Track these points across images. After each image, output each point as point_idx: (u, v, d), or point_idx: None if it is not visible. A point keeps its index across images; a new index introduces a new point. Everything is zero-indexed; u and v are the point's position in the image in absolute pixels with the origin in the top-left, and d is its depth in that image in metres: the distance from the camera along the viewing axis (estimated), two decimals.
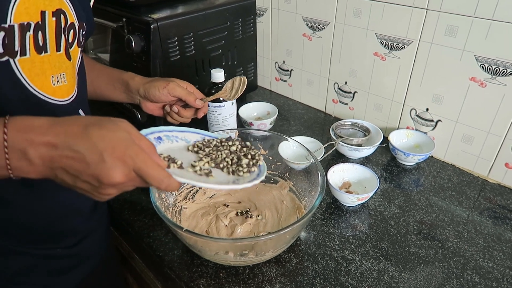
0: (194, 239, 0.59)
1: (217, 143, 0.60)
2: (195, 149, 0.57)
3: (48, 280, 0.64)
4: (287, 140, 0.80)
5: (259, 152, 0.57)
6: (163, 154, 0.50)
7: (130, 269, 0.96)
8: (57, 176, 0.42)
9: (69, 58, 0.57)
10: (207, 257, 0.66)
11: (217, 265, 0.68)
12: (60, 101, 0.56)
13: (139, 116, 0.99)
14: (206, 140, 0.60)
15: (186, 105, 0.76)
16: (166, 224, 0.60)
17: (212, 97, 0.80)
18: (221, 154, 0.56)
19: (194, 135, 0.61)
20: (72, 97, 0.58)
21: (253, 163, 0.56)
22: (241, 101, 1.19)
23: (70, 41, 0.57)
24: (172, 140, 0.56)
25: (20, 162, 0.41)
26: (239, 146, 0.60)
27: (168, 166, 0.48)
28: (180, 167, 0.49)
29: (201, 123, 0.91)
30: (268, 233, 0.70)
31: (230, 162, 0.55)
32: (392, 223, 0.77)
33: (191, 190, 0.80)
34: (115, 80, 0.78)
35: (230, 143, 0.60)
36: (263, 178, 0.52)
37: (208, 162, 0.54)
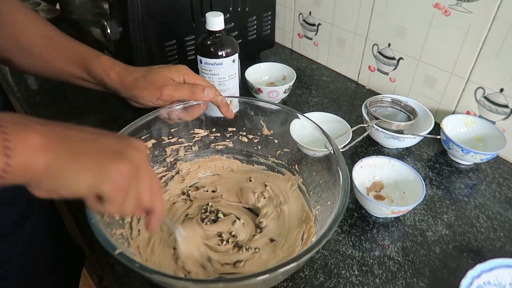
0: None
1: None
2: None
3: None
4: (298, 118, 0.57)
5: None
6: None
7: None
8: None
9: None
10: None
11: None
12: None
13: None
14: None
15: None
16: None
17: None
18: None
19: None
20: None
21: None
22: (251, 60, 0.95)
23: None
24: None
25: None
26: None
27: None
28: None
29: None
30: (242, 276, 0.47)
31: None
32: (437, 251, 0.54)
33: (164, 176, 0.59)
34: (77, 66, 0.57)
35: None
36: None
37: None
